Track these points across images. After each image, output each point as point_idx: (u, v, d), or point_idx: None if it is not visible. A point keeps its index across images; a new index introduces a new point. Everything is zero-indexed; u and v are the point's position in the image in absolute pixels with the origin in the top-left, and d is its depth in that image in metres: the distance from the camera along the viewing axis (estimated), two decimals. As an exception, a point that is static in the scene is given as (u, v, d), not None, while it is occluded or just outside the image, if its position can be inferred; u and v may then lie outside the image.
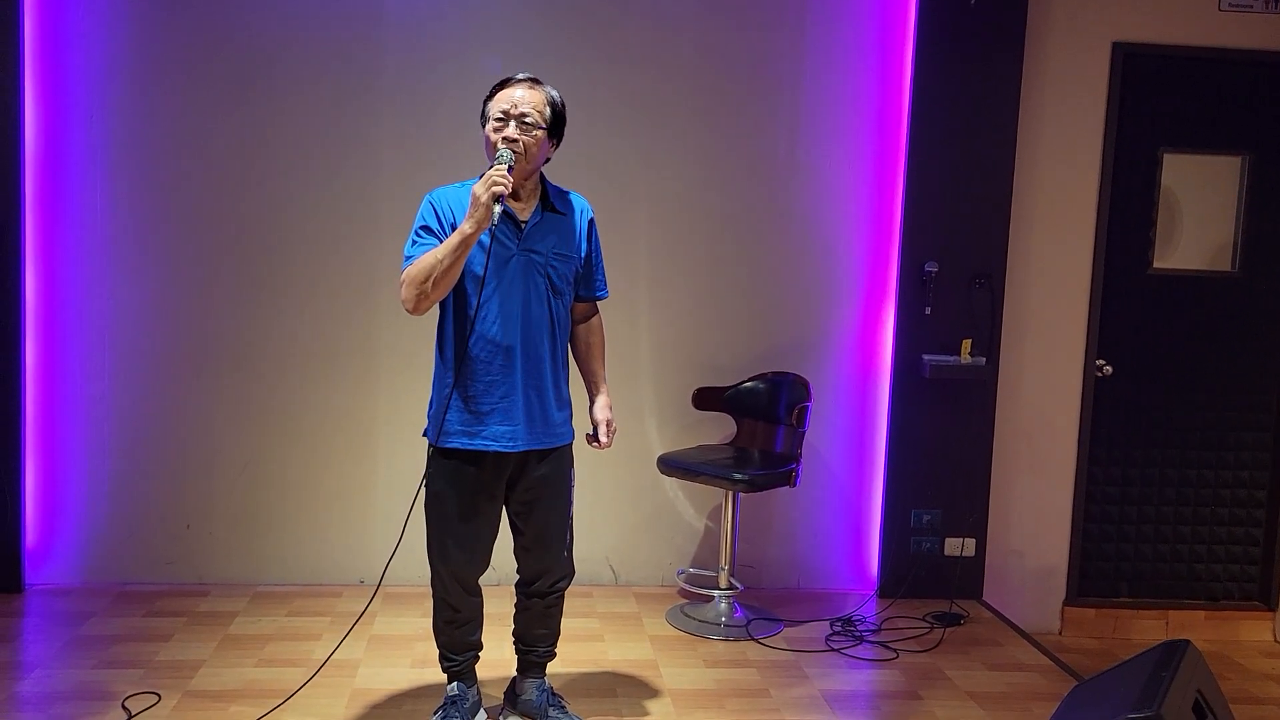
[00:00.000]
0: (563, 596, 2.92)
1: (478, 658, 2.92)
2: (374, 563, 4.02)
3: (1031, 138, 4.14)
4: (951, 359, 4.03)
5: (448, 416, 2.68)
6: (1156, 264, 4.27)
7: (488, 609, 2.92)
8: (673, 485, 4.15)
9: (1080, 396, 4.26)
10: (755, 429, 4.03)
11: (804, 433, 3.84)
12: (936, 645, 3.70)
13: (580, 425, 2.88)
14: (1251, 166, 4.24)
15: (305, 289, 3.98)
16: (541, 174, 2.74)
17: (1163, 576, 4.37)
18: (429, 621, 2.91)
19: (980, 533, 4.16)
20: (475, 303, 2.62)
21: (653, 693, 3.22)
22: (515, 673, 3.02)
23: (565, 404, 2.80)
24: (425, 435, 2.75)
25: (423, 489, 2.74)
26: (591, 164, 3.91)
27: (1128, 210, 4.23)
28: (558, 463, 2.80)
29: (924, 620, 3.91)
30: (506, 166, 2.53)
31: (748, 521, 4.15)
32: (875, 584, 4.19)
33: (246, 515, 4.03)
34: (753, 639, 3.67)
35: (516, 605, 2.93)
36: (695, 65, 4.03)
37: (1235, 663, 4.10)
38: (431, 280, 2.54)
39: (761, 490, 3.78)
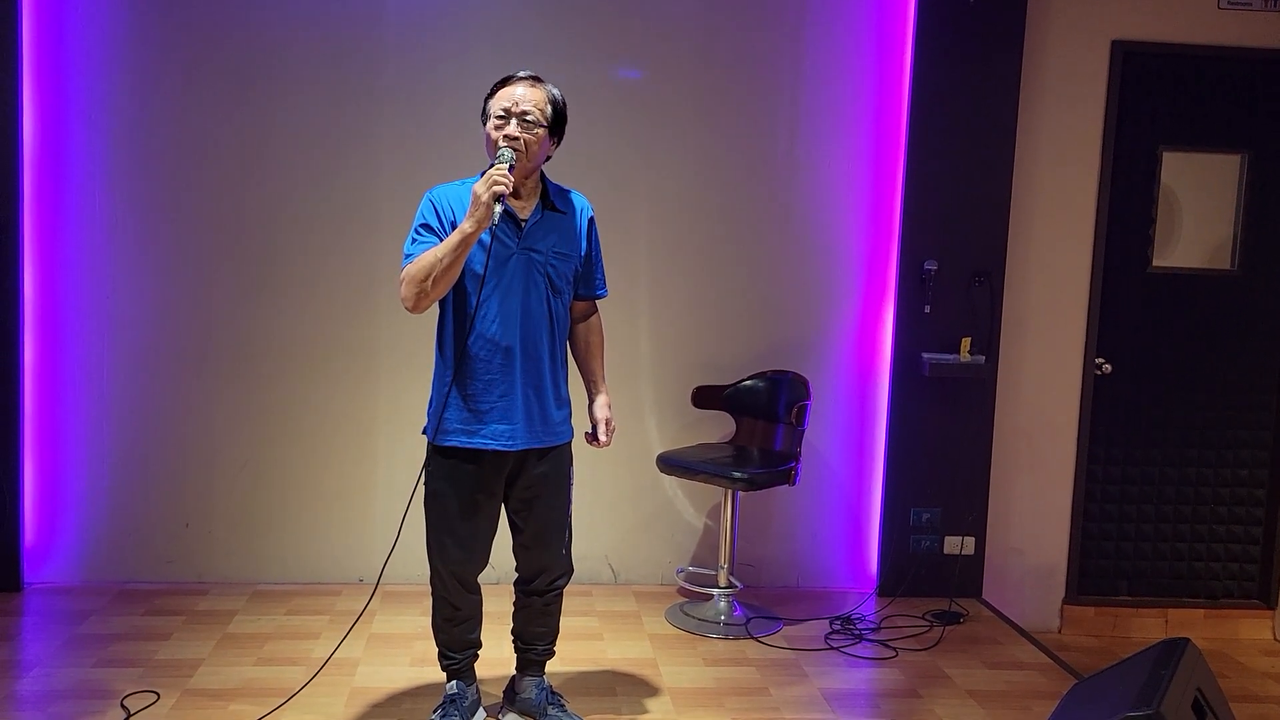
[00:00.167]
0: (562, 595, 2.92)
1: (477, 656, 2.93)
2: (373, 561, 4.02)
3: (1031, 136, 4.14)
4: (951, 357, 4.03)
5: (447, 415, 2.68)
6: (1156, 262, 4.27)
7: (487, 607, 2.92)
8: (672, 484, 4.15)
9: (1079, 395, 4.26)
10: (755, 427, 4.03)
11: (803, 431, 3.84)
12: (936, 644, 3.70)
13: (580, 424, 2.88)
14: (1251, 164, 4.24)
15: (305, 288, 3.98)
16: (542, 172, 2.73)
17: (1162, 575, 4.37)
18: (428, 620, 2.91)
19: (980, 531, 4.16)
20: (475, 301, 2.62)
21: (652, 691, 3.22)
22: (514, 671, 3.02)
23: (564, 403, 2.80)
24: (424, 433, 2.75)
25: (421, 487, 2.75)
26: (591, 164, 3.90)
27: (1127, 208, 4.23)
28: (557, 461, 2.80)
29: (923, 619, 3.91)
30: (508, 165, 2.53)
31: (747, 520, 4.15)
32: (875, 582, 4.19)
33: (246, 514, 4.03)
34: (752, 637, 3.67)
35: (515, 603, 2.93)
36: (695, 65, 4.03)
37: (1235, 661, 4.10)
38: (431, 279, 2.54)
39: (761, 489, 3.78)
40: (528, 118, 2.60)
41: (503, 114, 2.61)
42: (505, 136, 2.58)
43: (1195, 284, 4.28)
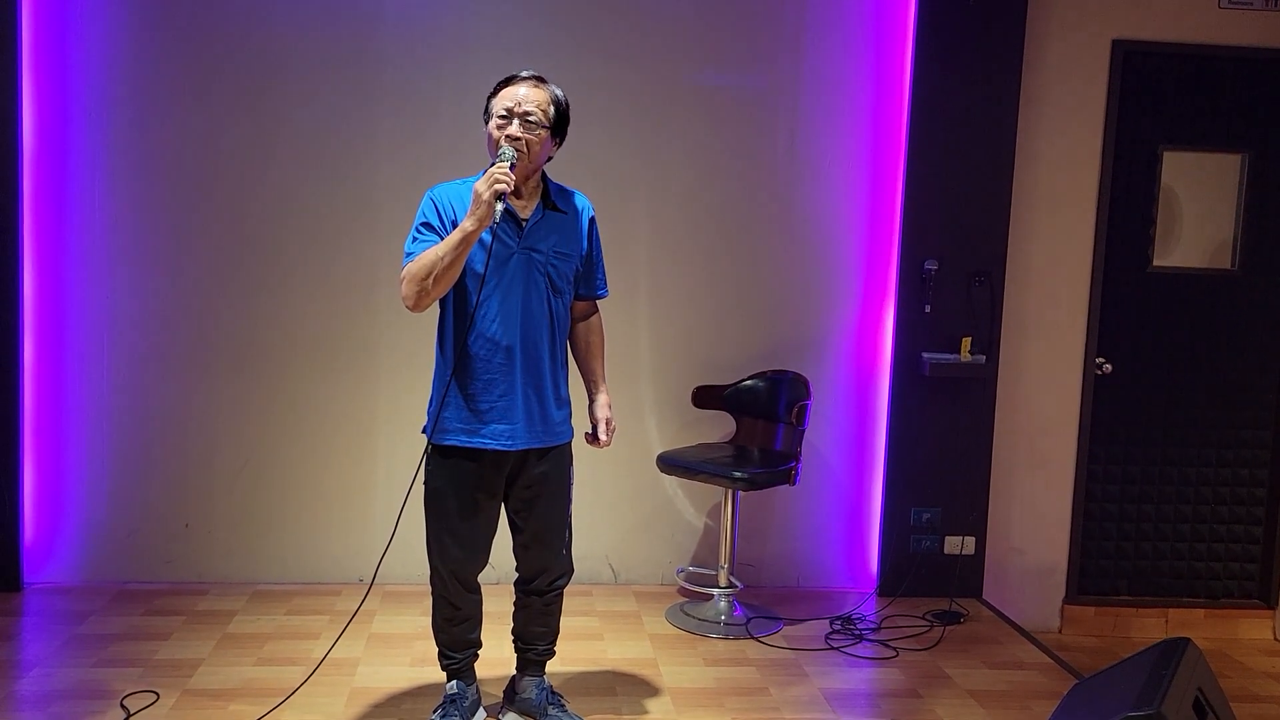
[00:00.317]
0: (562, 595, 2.92)
1: (477, 656, 2.92)
2: (373, 561, 3.97)
3: (1031, 135, 4.14)
4: (951, 357, 4.02)
5: (446, 414, 2.68)
6: (1156, 262, 4.27)
7: (487, 607, 2.92)
8: (672, 484, 4.15)
9: (1080, 394, 4.26)
10: (755, 427, 4.03)
11: (803, 431, 3.84)
12: (936, 644, 3.69)
13: (580, 424, 2.88)
14: (1251, 164, 4.24)
15: (305, 287, 3.97)
16: (543, 172, 2.73)
17: (1162, 574, 4.37)
18: (428, 620, 2.90)
19: (980, 531, 4.16)
20: (475, 300, 2.62)
21: (652, 691, 3.21)
22: (514, 671, 3.02)
23: (564, 403, 2.80)
24: (424, 432, 2.75)
25: (421, 487, 2.75)
26: (591, 164, 3.90)
27: (1127, 208, 4.23)
28: (557, 461, 2.79)
29: (924, 618, 3.91)
30: (509, 164, 2.52)
31: (747, 520, 4.15)
32: (875, 582, 4.18)
33: (246, 514, 4.02)
34: (752, 637, 3.67)
35: (515, 603, 2.93)
36: (695, 65, 4.03)
37: (1235, 661, 4.09)
38: (432, 277, 2.54)
39: (761, 488, 3.78)
40: (530, 118, 2.59)
41: (505, 113, 2.60)
42: (507, 137, 2.58)
43: (1196, 284, 4.28)
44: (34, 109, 3.80)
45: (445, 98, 3.94)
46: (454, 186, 2.70)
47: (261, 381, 3.98)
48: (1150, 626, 4.33)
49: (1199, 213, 4.28)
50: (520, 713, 2.96)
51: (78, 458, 3.93)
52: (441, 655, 2.87)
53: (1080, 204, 4.20)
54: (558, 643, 2.99)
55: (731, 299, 4.13)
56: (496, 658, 3.19)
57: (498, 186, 2.47)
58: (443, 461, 2.71)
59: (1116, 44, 4.15)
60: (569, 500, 2.86)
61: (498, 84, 2.68)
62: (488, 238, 2.60)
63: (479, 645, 2.91)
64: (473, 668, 2.92)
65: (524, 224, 2.67)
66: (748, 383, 4.05)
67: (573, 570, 2.92)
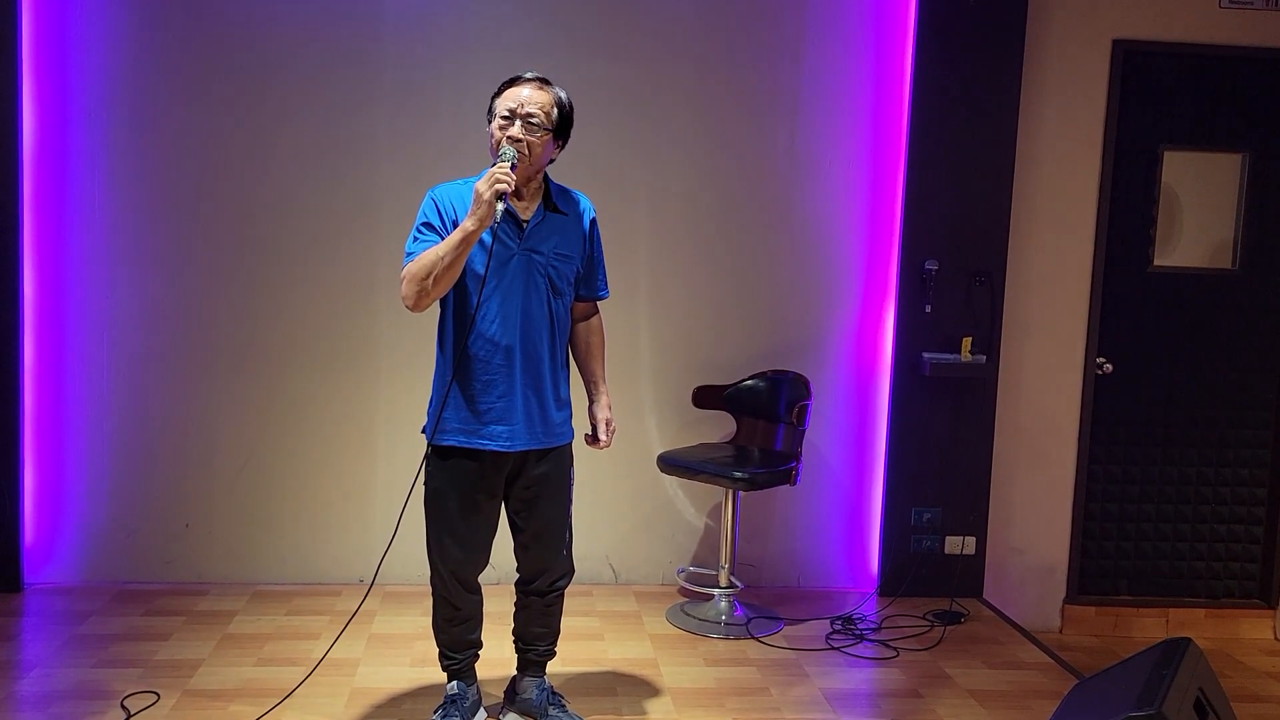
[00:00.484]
0: (562, 595, 2.92)
1: (477, 656, 2.92)
2: (373, 561, 3.99)
3: (1031, 135, 4.14)
4: (952, 357, 4.02)
5: (446, 414, 2.67)
6: (1157, 261, 4.26)
7: (487, 607, 2.91)
8: (673, 484, 4.15)
9: (1080, 394, 4.26)
10: (755, 427, 4.03)
11: (804, 431, 3.84)
12: (937, 643, 3.69)
13: (580, 425, 2.87)
14: (1252, 164, 4.24)
15: (305, 288, 3.97)
16: (545, 174, 2.73)
17: (1163, 574, 4.37)
18: (429, 620, 2.90)
19: (980, 531, 4.16)
20: (475, 301, 2.62)
21: (653, 691, 3.21)
22: (515, 671, 3.02)
23: (564, 404, 2.79)
24: (424, 432, 2.75)
25: (421, 487, 2.74)
26: (591, 164, 3.90)
27: (1128, 208, 4.23)
28: (557, 462, 2.79)
29: (924, 618, 3.91)
30: (509, 164, 2.52)
31: (748, 520, 4.15)
32: (875, 582, 4.18)
33: (245, 514, 4.02)
34: (753, 637, 3.67)
35: (516, 604, 2.93)
36: (695, 65, 4.03)
37: (1236, 661, 4.09)
38: (432, 277, 2.54)
39: (761, 488, 3.78)
40: (532, 120, 2.59)
41: (507, 114, 2.60)
42: (508, 138, 2.58)
43: (1196, 283, 4.27)
44: (34, 110, 3.80)
45: (445, 98, 3.94)
46: (455, 186, 2.70)
47: (261, 381, 3.98)
48: (1151, 626, 4.33)
49: (1199, 213, 4.28)
50: (521, 713, 2.96)
51: (78, 458, 3.93)
52: (442, 655, 2.87)
53: (1081, 204, 4.20)
54: (558, 643, 2.99)
55: (732, 299, 4.13)
56: (497, 658, 3.19)
57: (498, 186, 2.47)
58: (443, 462, 2.71)
59: (1117, 44, 4.14)
60: (569, 501, 2.86)
61: (502, 84, 2.67)
62: (488, 238, 2.60)
63: (479, 645, 2.91)
64: (473, 668, 2.92)
65: (525, 225, 2.66)
66: (748, 383, 4.05)
67: (573, 571, 2.92)
